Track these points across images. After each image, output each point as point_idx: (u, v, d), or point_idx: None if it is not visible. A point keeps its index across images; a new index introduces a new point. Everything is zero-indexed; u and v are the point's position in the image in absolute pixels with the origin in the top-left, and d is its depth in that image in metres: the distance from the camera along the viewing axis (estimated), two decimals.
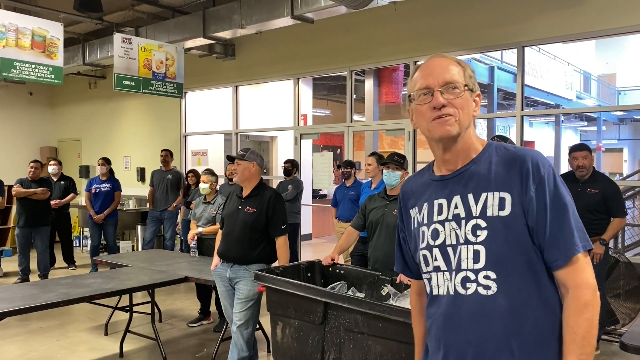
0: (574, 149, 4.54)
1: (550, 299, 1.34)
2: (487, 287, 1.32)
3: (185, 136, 9.14)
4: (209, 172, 5.34)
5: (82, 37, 8.42)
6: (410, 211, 1.53)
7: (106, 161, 7.54)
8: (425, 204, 1.46)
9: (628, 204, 7.46)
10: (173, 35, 7.03)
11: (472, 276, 1.34)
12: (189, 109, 9.18)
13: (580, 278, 1.30)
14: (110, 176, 7.58)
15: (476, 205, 1.36)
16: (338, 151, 14.96)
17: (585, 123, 18.32)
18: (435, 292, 1.43)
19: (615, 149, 20.80)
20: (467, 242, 1.35)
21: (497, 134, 3.88)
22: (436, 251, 1.41)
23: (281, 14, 5.77)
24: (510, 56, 11.22)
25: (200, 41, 6.95)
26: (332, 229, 6.68)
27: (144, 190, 8.81)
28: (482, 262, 1.33)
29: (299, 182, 7.00)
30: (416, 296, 1.67)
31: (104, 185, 7.45)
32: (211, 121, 9.12)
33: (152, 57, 6.50)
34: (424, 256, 1.44)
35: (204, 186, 5.16)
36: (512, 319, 1.31)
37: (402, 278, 3.42)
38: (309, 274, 3.74)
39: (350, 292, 3.51)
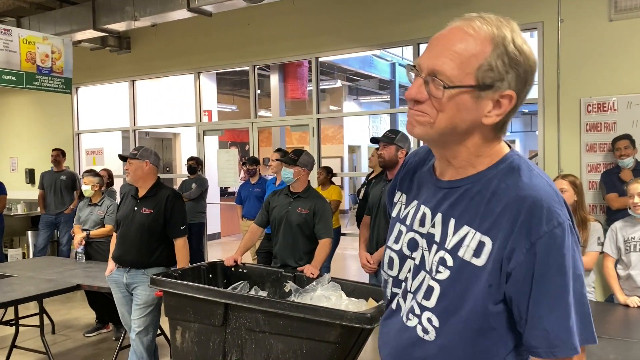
0: None
1: None
2: (425, 331, 1.09)
3: (78, 134, 8.58)
4: (92, 173, 5.07)
5: None
6: (398, 194, 1.25)
7: None
8: (415, 202, 1.18)
9: None
10: (60, 26, 6.55)
11: (417, 310, 1.10)
12: (81, 105, 8.63)
13: None
14: None
15: (452, 236, 1.06)
16: (247, 147, 14.78)
17: None
18: (393, 305, 1.21)
19: (508, 140, 22.31)
20: (429, 271, 1.09)
21: None
22: (411, 263, 1.16)
23: (176, 6, 5.55)
24: (410, 51, 11.66)
25: (91, 33, 6.53)
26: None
27: (33, 193, 8.18)
28: (432, 302, 1.07)
29: (204, 180, 6.82)
30: None
31: None
32: (107, 118, 8.64)
33: (35, 50, 6.00)
34: (390, 258, 1.20)
35: (85, 188, 4.90)
36: None
37: (305, 270, 3.43)
38: (210, 276, 3.64)
39: (252, 291, 3.46)
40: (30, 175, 8.97)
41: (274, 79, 9.22)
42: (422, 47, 6.08)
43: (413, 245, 1.15)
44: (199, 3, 5.41)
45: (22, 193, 8.80)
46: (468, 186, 1.06)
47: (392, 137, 3.69)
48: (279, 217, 3.73)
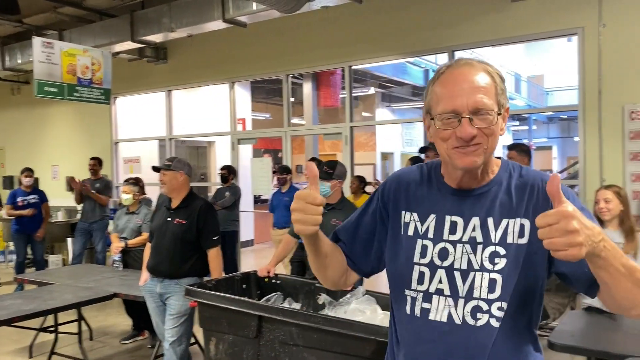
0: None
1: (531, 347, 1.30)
2: (499, 319, 1.23)
3: (116, 143, 8.78)
4: (131, 182, 5.14)
5: (1, 40, 7.92)
6: (403, 214, 1.36)
7: (31, 172, 7.12)
8: (433, 215, 1.32)
9: None
10: (99, 39, 6.73)
11: (484, 306, 1.23)
12: (119, 114, 8.83)
13: None
14: (34, 187, 7.16)
15: (496, 231, 1.25)
16: (280, 154, 14.86)
17: (517, 122, 19.07)
18: (431, 317, 1.28)
19: (545, 147, 21.78)
20: (482, 269, 1.24)
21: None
22: (442, 272, 1.28)
23: (212, 17, 5.62)
24: (445, 58, 11.49)
25: (129, 45, 6.69)
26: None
27: (73, 200, 8.38)
28: (497, 292, 1.23)
29: (237, 188, 6.86)
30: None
31: (31, 197, 7.03)
32: (144, 127, 8.80)
33: (76, 62, 6.17)
34: (421, 273, 1.30)
35: (126, 197, 4.97)
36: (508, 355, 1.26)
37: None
38: (244, 286, 3.64)
39: (286, 303, 3.44)
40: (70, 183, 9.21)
41: (307, 87, 9.25)
42: (457, 54, 5.98)
43: (444, 254, 1.28)
44: (234, 14, 5.47)
45: (63, 200, 9.04)
46: (493, 188, 1.28)
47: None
48: None
